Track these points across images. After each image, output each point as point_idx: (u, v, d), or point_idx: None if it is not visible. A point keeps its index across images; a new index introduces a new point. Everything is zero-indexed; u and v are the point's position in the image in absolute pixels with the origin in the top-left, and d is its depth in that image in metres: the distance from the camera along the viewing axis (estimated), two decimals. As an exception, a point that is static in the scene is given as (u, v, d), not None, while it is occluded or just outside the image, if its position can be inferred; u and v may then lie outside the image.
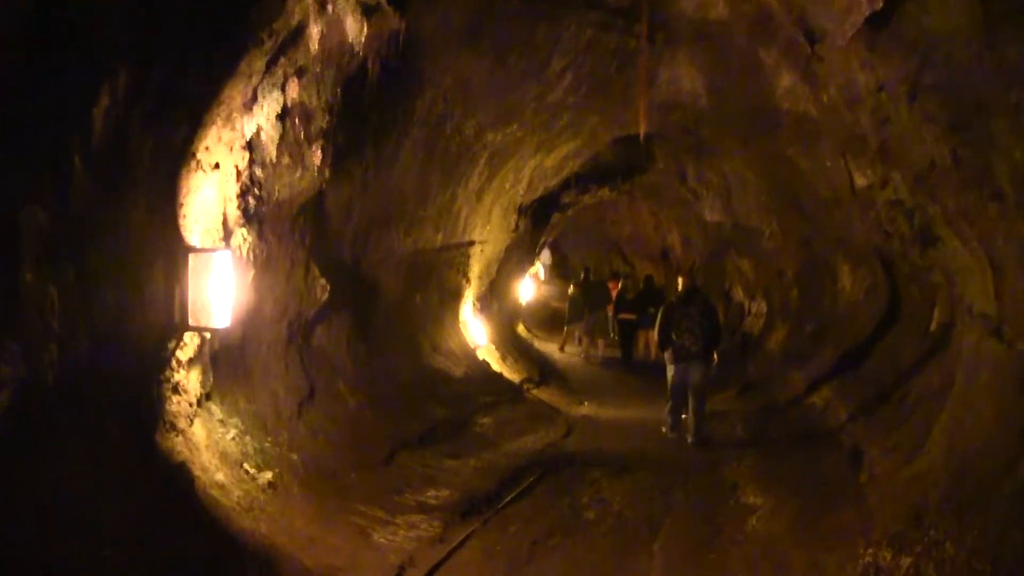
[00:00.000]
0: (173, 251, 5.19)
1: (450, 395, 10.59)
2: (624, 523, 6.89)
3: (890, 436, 7.60)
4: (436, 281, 12.31)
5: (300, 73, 6.19)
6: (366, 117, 7.67)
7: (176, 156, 5.14)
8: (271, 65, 5.73)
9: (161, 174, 5.00)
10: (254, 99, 5.77)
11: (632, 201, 19.51)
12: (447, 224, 11.49)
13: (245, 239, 6.30)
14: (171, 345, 5.38)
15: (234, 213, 6.04)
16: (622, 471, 8.43)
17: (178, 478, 5.06)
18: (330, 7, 6.07)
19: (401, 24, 7.14)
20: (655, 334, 10.86)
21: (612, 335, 19.51)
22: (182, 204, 5.31)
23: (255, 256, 6.50)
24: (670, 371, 10.23)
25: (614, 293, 19.06)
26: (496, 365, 14.00)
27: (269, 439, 6.54)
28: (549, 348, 19.83)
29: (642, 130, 10.15)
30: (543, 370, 15.89)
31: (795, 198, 11.87)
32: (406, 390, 9.73)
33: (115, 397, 4.65)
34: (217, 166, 5.61)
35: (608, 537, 6.58)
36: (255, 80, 5.63)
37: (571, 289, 20.39)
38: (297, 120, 6.50)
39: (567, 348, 19.91)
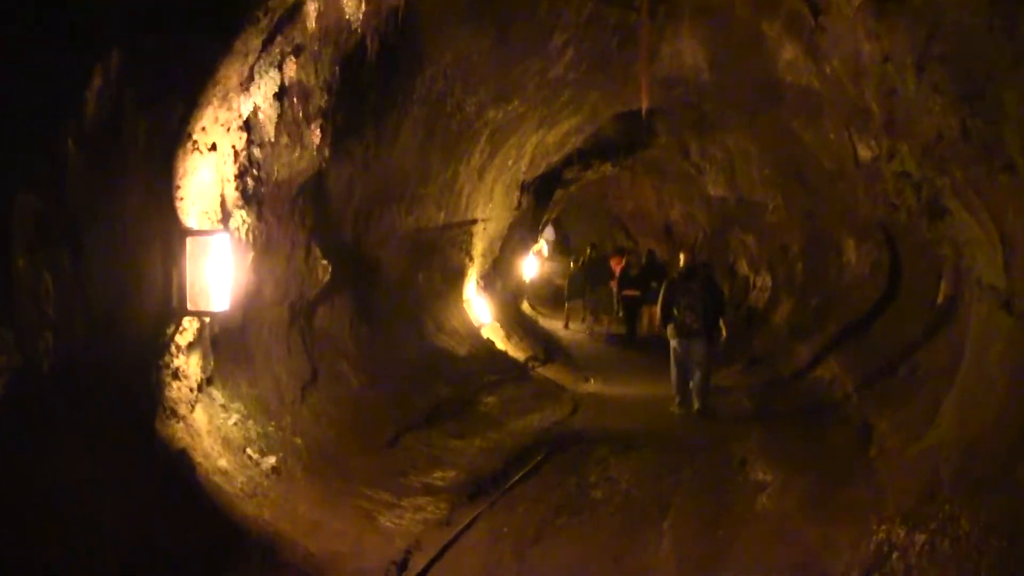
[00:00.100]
0: (170, 234, 5.12)
1: (454, 374, 10.53)
2: (632, 501, 6.82)
3: (899, 410, 7.53)
4: (439, 260, 12.24)
5: (297, 51, 6.09)
6: (365, 95, 7.58)
7: (172, 137, 5.07)
8: (268, 44, 5.63)
9: (157, 156, 4.93)
10: (251, 78, 5.68)
11: (635, 176, 19.49)
12: (449, 202, 11.41)
13: (244, 221, 6.22)
14: (170, 330, 5.31)
15: (232, 194, 5.96)
16: (629, 449, 8.35)
17: (179, 465, 5.01)
18: (327, -17, 5.98)
19: (400, 0, 7.04)
20: (658, 309, 10.82)
21: (617, 311, 19.45)
22: (179, 186, 5.24)
23: (254, 238, 6.43)
24: (672, 346, 10.22)
25: (617, 270, 18.92)
26: (500, 343, 13.96)
27: (272, 423, 6.49)
28: (554, 325, 19.79)
29: (644, 105, 10.10)
30: (548, 348, 15.83)
31: (799, 172, 11.80)
32: (410, 370, 9.68)
33: (113, 384, 4.59)
34: (214, 147, 5.53)
35: (616, 516, 6.51)
36: (251, 59, 5.53)
37: (571, 266, 20.35)
38: (295, 99, 6.42)
39: (571, 325, 19.90)
